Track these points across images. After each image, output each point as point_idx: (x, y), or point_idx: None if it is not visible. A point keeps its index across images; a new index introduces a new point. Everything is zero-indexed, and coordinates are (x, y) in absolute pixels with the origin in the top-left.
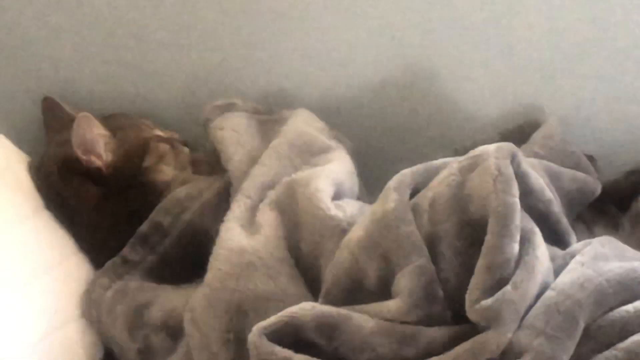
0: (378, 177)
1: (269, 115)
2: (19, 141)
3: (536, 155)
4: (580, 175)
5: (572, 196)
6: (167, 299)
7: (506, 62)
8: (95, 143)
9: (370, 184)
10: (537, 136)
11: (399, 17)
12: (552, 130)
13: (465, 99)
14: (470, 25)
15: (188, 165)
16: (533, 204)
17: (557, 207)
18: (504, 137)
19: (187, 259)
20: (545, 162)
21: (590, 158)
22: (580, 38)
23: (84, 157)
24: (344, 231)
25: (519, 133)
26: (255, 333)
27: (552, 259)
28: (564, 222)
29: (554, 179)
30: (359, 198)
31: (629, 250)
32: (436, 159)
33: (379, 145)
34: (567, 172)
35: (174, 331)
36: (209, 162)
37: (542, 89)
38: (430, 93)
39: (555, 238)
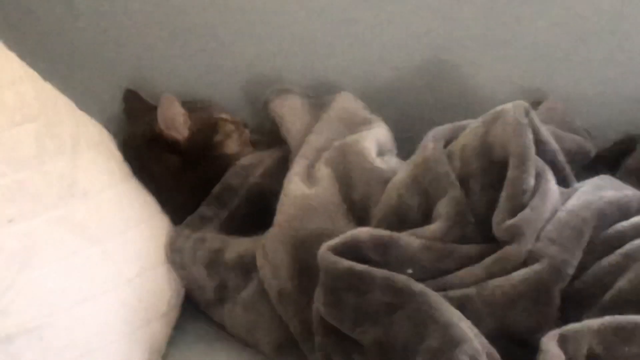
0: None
1: (317, 99)
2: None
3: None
4: (578, 138)
5: (572, 155)
6: (240, 244)
7: (514, 50)
8: (176, 120)
9: None
10: (542, 109)
11: (424, 10)
12: (555, 104)
13: (481, 85)
14: (487, 18)
15: (249, 143)
16: (543, 152)
17: (561, 157)
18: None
19: (253, 214)
20: (550, 127)
21: (585, 130)
22: (578, 27)
23: (166, 132)
24: (387, 180)
25: None
26: (324, 249)
27: (560, 192)
28: (568, 169)
29: (557, 139)
30: None
31: (623, 185)
32: None
33: (407, 130)
34: (568, 135)
35: (246, 269)
36: (266, 141)
37: (544, 74)
38: (453, 81)
39: (561, 181)
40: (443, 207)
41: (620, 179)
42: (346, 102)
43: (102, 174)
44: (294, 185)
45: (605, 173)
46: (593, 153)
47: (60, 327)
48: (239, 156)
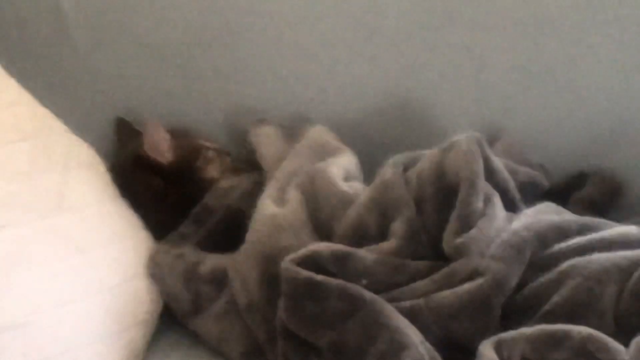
0: None
1: (291, 129)
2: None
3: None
4: (532, 172)
5: (525, 187)
6: (214, 259)
7: (477, 93)
8: (160, 144)
9: None
10: (499, 145)
11: (396, 46)
12: (511, 141)
13: (445, 121)
14: (451, 60)
15: (229, 170)
16: (494, 180)
17: (511, 185)
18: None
19: (229, 233)
20: (504, 160)
21: (540, 165)
22: (536, 70)
23: (151, 155)
24: (351, 202)
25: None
26: (287, 261)
27: (507, 217)
28: (517, 196)
29: (511, 172)
30: None
31: (564, 211)
32: None
33: (377, 160)
34: (522, 169)
35: (219, 282)
36: (246, 168)
37: (503, 112)
38: (419, 117)
39: (511, 207)
40: (398, 226)
41: (568, 209)
42: (318, 134)
43: (91, 191)
44: (266, 206)
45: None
46: (546, 186)
47: (43, 325)
48: (219, 181)
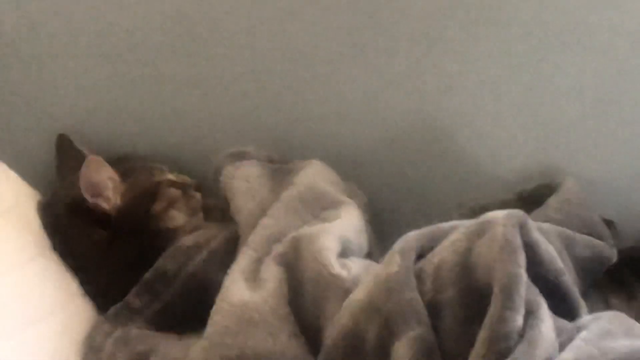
0: (392, 232)
1: (282, 164)
2: (33, 178)
3: (550, 220)
4: (595, 242)
5: (585, 264)
6: (168, 350)
7: (524, 119)
8: (104, 186)
9: (384, 238)
10: (553, 200)
11: (417, 71)
12: (569, 193)
13: (483, 157)
14: (488, 80)
15: (199, 211)
16: (542, 273)
17: (567, 277)
18: (521, 198)
19: (192, 308)
20: (559, 228)
21: (609, 223)
22: (602, 95)
23: (91, 200)
24: (347, 291)
25: (537, 194)
26: None
27: (559, 332)
28: (574, 293)
29: (567, 245)
30: (370, 253)
31: (638, 327)
32: (452, 217)
33: (394, 199)
34: (582, 239)
35: None
36: (221, 208)
37: (561, 149)
38: (448, 150)
39: (565, 309)
40: (404, 349)
41: None
42: (314, 176)
43: (9, 249)
44: (235, 288)
45: (630, 282)
46: (614, 259)
47: None
48: (184, 230)
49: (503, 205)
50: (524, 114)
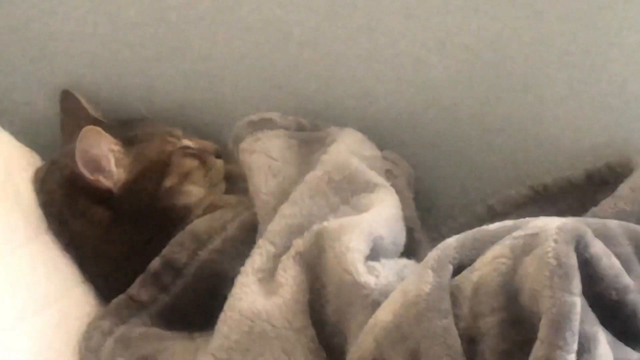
0: (441, 206)
1: (313, 131)
2: (35, 141)
3: (620, 213)
4: None
5: None
6: (173, 355)
7: (598, 88)
8: (104, 160)
9: (428, 219)
10: (625, 187)
11: (474, 26)
12: None
13: (547, 127)
14: (558, 40)
15: (221, 181)
16: (603, 292)
17: (635, 295)
18: (589, 177)
19: (203, 302)
20: (631, 226)
21: None
22: None
23: (90, 177)
24: (374, 303)
25: (608, 173)
26: None
27: None
28: None
29: (637, 249)
30: (412, 236)
31: None
32: (510, 195)
33: (441, 174)
34: None
35: None
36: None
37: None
38: (506, 118)
39: (631, 332)
40: None
41: None
42: (347, 152)
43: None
44: (245, 292)
45: None
46: None
47: None
48: (199, 207)
49: (569, 186)
50: (596, 82)
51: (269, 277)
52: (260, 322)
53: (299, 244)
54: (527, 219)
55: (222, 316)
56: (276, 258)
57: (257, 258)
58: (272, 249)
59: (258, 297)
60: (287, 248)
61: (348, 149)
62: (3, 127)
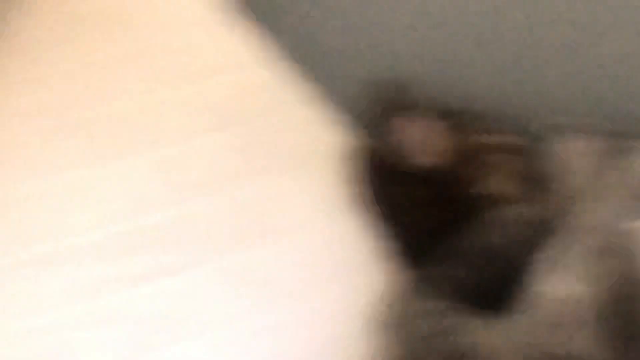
0: None
1: (616, 144)
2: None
3: None
4: None
5: None
6: (474, 330)
7: None
8: (431, 144)
9: None
10: None
11: None
12: None
13: None
14: None
15: (519, 180)
16: None
17: None
18: None
19: (494, 283)
20: None
21: None
22: None
23: (417, 159)
24: None
25: None
26: None
27: None
28: None
29: None
30: None
31: None
32: None
33: None
34: None
35: None
36: (546, 179)
37: None
38: None
39: None
40: None
41: None
42: None
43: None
44: (558, 279)
45: None
46: None
47: None
48: (497, 199)
49: None
50: None
51: (576, 269)
52: (574, 306)
53: (610, 238)
54: None
55: (532, 300)
56: (584, 252)
57: (564, 250)
58: (578, 244)
59: (571, 285)
60: (589, 243)
61: None
62: None
